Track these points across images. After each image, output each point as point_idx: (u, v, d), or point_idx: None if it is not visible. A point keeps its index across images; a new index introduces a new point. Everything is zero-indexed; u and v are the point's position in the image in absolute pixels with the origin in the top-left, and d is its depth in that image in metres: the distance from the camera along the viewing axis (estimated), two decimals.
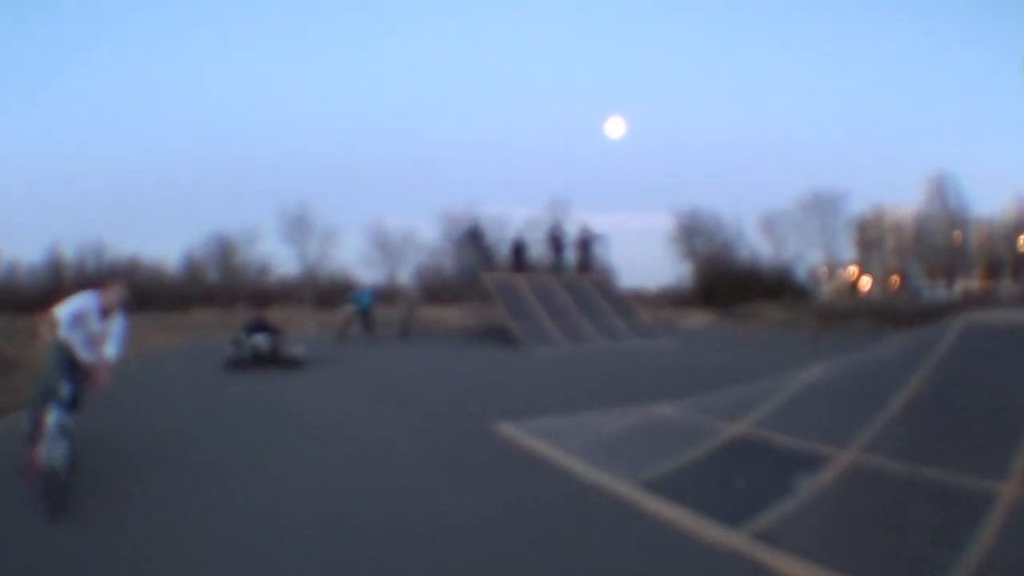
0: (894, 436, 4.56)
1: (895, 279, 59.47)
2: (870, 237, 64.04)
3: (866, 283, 62.88)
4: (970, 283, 53.85)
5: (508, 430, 7.40)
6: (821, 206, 57.23)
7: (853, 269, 63.12)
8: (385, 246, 47.87)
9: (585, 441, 6.56)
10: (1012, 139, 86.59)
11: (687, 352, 17.70)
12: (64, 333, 5.02)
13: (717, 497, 4.68)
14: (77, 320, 5.07)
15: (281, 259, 46.88)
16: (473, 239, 44.04)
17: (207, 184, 61.07)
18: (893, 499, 4.05)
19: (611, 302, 23.29)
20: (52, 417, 4.76)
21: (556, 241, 25.41)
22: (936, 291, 49.96)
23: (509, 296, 21.56)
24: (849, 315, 30.06)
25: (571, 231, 26.11)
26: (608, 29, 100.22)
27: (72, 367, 5.05)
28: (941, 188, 56.28)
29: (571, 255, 24.80)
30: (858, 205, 60.39)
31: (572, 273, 24.31)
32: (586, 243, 25.14)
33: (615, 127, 65.97)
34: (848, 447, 4.65)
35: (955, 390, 4.76)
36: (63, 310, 5.04)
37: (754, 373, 8.80)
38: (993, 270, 54.47)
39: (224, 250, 46.34)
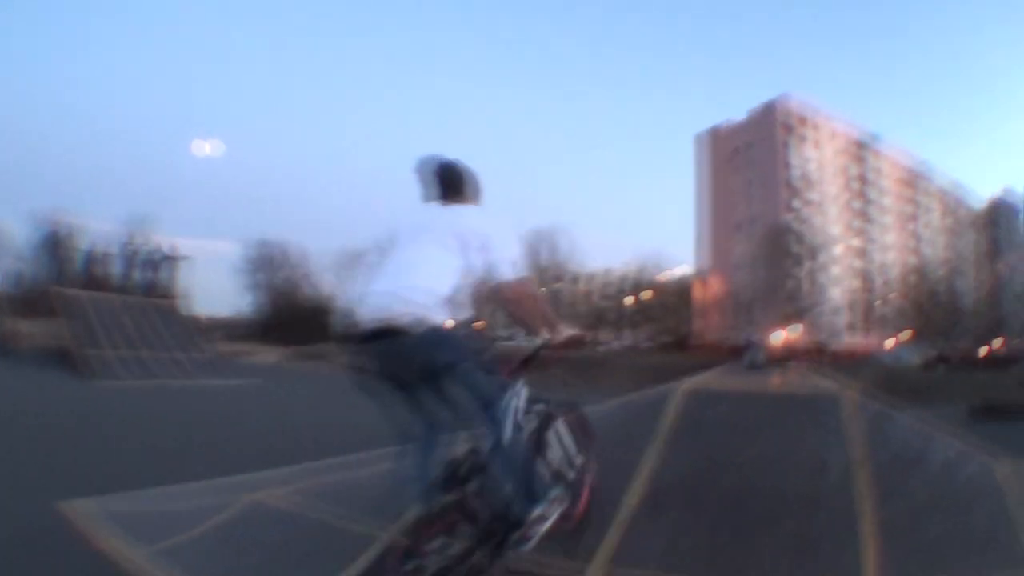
0: (657, 541, 3.05)
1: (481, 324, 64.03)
2: None
3: None
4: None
5: (84, 513, 4.39)
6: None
7: None
8: None
9: (176, 543, 3.92)
10: (636, 198, 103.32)
11: (273, 398, 16.56)
12: None
13: None
14: None
15: None
16: (51, 247, 36.76)
17: None
18: None
19: (179, 332, 22.30)
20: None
21: (132, 258, 23.33)
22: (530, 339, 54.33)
23: (81, 316, 19.86)
24: None
25: (150, 250, 24.35)
26: (206, 52, 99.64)
27: None
28: (536, 241, 62.47)
29: (147, 275, 22.94)
30: None
31: (144, 296, 22.22)
32: (160, 264, 23.40)
33: (203, 147, 66.16)
34: (592, 560, 2.94)
35: (712, 471, 3.54)
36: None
37: (367, 433, 7.12)
38: (593, 322, 61.52)
39: None
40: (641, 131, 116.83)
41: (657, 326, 62.31)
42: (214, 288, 70.39)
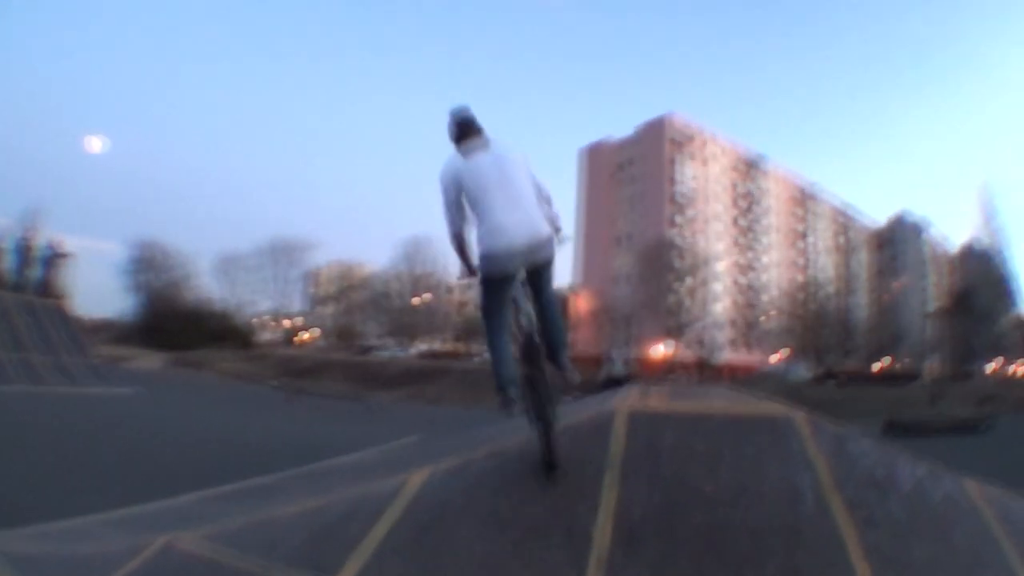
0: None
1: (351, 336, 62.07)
2: (326, 292, 66.00)
3: (307, 336, 64.63)
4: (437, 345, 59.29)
5: None
6: (280, 254, 58.12)
7: (292, 321, 64.40)
8: None
9: None
10: None
11: (163, 408, 16.02)
12: None
13: None
14: None
15: None
16: None
17: None
18: None
19: (66, 335, 21.20)
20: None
21: (26, 255, 22.12)
22: (398, 351, 53.01)
23: None
24: (315, 371, 30.14)
25: (43, 247, 23.22)
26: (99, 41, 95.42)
27: None
28: (412, 251, 60.90)
29: (39, 273, 21.80)
30: (325, 258, 64.06)
31: (33, 296, 20.90)
32: (51, 262, 22.27)
33: (93, 144, 63.36)
34: None
35: (681, 503, 3.31)
36: None
37: (263, 448, 6.76)
38: (464, 334, 60.51)
39: None
40: (520, 141, 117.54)
41: None
42: (93, 289, 67.38)
